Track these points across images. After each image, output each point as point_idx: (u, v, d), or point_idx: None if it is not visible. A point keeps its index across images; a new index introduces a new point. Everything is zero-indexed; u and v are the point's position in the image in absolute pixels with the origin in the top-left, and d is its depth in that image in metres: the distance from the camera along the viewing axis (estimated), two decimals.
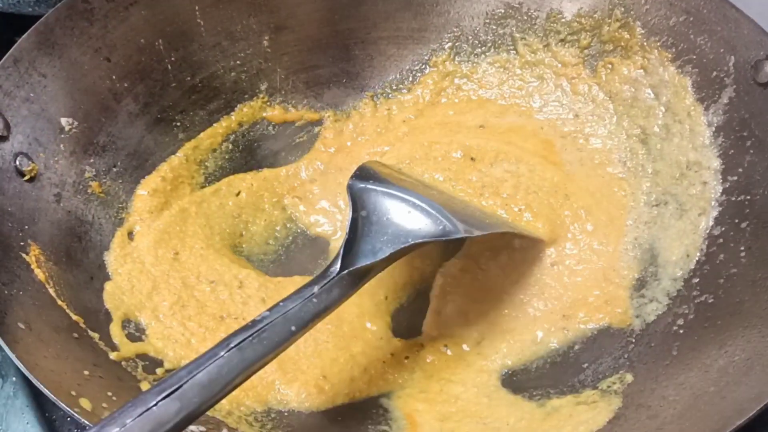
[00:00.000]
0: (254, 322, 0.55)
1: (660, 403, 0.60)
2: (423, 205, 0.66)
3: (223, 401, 0.53)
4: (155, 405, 0.48)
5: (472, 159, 0.81)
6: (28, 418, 0.66)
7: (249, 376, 0.54)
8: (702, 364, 0.61)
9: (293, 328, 0.57)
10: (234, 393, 0.53)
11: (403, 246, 0.63)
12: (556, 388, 0.68)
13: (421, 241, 0.64)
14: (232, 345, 0.53)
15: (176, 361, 0.68)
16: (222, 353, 0.52)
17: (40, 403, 0.67)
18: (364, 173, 0.71)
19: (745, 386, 0.56)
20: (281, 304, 0.58)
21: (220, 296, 0.74)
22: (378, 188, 0.68)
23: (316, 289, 0.59)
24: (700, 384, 0.59)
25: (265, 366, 0.55)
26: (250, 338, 0.54)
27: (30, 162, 0.69)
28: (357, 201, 0.67)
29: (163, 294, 0.72)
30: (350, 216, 0.66)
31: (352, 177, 0.70)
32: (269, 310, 0.57)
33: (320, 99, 0.88)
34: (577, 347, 0.71)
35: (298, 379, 0.68)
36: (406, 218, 0.65)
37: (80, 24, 0.74)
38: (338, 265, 0.61)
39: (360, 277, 0.62)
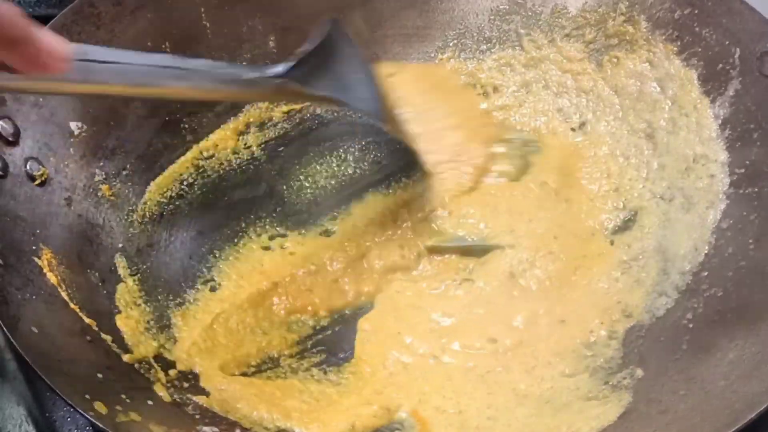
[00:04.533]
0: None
1: (670, 397, 0.60)
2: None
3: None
4: None
5: None
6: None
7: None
8: (712, 358, 0.61)
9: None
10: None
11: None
12: None
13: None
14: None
15: (189, 363, 0.68)
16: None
17: (40, 403, 0.67)
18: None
19: (756, 380, 0.56)
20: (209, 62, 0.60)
21: None
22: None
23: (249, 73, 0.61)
24: (711, 378, 0.59)
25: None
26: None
27: (40, 166, 0.69)
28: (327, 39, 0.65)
29: None
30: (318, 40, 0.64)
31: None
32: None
33: None
34: None
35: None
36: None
37: (87, 28, 0.74)
38: (280, 70, 0.61)
39: (289, 93, 0.62)
